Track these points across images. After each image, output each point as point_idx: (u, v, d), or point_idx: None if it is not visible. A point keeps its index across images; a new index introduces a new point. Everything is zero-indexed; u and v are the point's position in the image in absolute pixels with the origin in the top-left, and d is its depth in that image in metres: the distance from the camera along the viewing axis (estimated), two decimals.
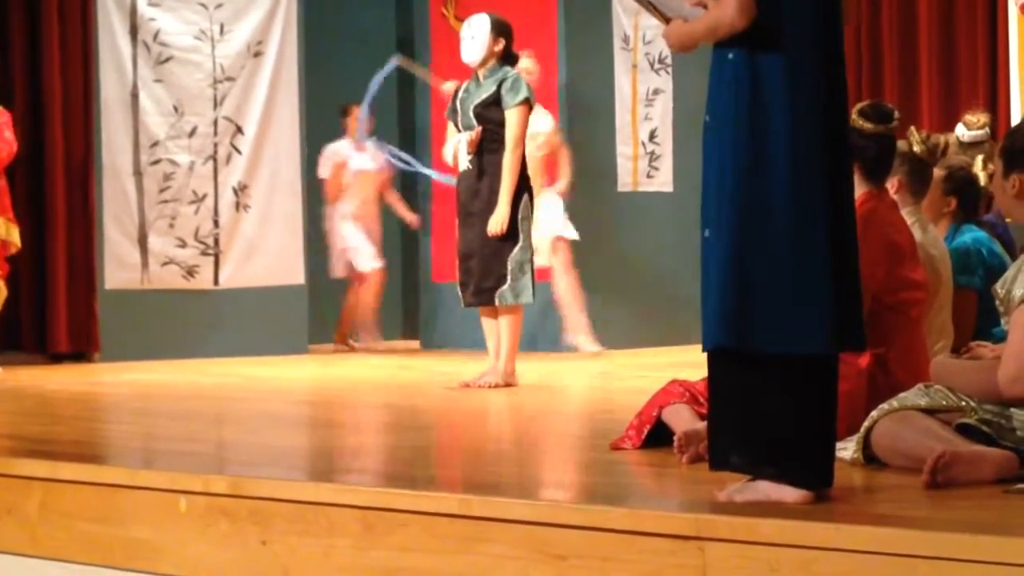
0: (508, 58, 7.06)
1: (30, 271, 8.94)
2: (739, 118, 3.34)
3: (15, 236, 8.12)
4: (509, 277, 6.86)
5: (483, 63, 6.96)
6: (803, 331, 3.32)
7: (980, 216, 5.54)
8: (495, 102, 6.92)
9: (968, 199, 5.39)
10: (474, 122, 6.94)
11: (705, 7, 3.46)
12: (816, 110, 3.36)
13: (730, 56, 3.37)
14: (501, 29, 7.02)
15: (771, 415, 3.34)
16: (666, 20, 3.50)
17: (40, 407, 6.65)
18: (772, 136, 3.33)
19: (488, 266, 6.86)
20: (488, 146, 6.92)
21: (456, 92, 7.15)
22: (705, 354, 3.45)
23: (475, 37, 6.98)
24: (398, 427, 5.76)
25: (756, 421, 3.36)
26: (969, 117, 7.10)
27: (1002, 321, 3.79)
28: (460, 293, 7.02)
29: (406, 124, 10.43)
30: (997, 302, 3.79)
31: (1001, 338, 3.95)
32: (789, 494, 3.33)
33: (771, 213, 3.32)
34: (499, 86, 6.94)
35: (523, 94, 6.92)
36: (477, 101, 6.95)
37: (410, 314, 10.52)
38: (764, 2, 3.32)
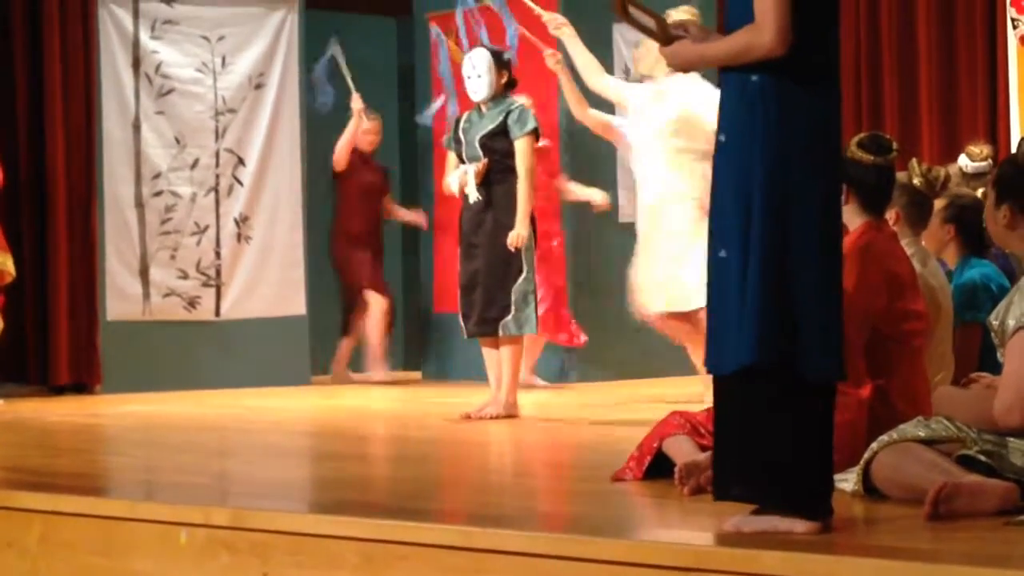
0: (509, 85, 7.12)
1: (32, 302, 8.94)
2: (767, 143, 3.32)
3: (9, 265, 8.11)
4: (513, 308, 6.86)
5: (491, 97, 7.00)
6: (830, 357, 3.35)
7: (987, 248, 5.53)
8: (501, 132, 6.94)
9: (969, 229, 5.38)
10: (480, 153, 6.96)
11: (686, 31, 3.47)
12: (834, 134, 3.40)
13: (754, 78, 3.35)
14: (501, 60, 7.06)
15: (780, 444, 3.34)
16: (667, 40, 3.46)
17: (41, 439, 6.64)
18: (801, 162, 3.33)
19: (492, 296, 6.86)
20: (494, 177, 6.93)
21: (457, 122, 7.17)
22: (710, 383, 3.45)
23: (481, 75, 7.00)
24: (399, 459, 5.76)
25: (764, 450, 3.35)
26: (972, 148, 7.11)
27: (998, 353, 3.80)
28: (462, 324, 7.01)
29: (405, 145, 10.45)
30: (992, 334, 3.80)
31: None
32: (798, 525, 3.33)
33: (807, 240, 3.34)
34: (505, 116, 6.96)
35: (531, 124, 6.95)
36: (483, 132, 6.97)
37: (411, 345, 10.51)
38: (796, 28, 3.31)
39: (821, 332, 3.33)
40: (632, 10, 3.48)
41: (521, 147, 6.91)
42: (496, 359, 6.93)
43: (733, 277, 3.34)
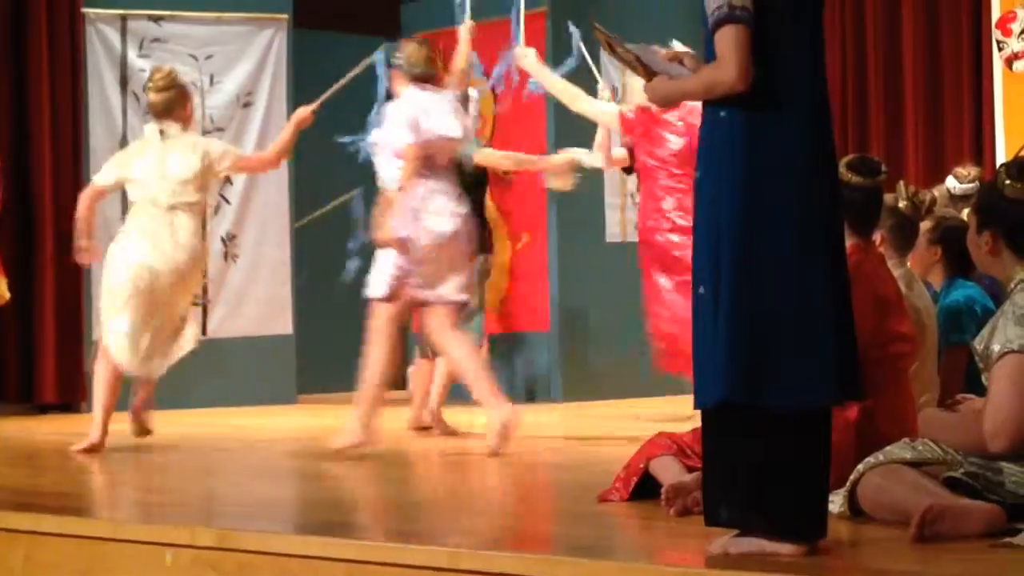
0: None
1: (17, 321, 8.92)
2: (735, 175, 3.35)
3: (3, 288, 8.11)
4: None
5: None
6: (808, 384, 3.33)
7: (973, 269, 5.54)
8: None
9: (954, 251, 5.39)
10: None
11: (681, 63, 3.50)
12: (811, 163, 3.39)
13: (722, 114, 3.39)
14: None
15: (766, 469, 3.35)
16: (648, 76, 3.53)
17: (25, 458, 6.62)
18: (768, 192, 3.34)
19: None
20: None
21: None
22: (698, 410, 3.46)
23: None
24: (385, 479, 5.74)
25: (751, 475, 3.36)
26: (960, 170, 7.13)
27: (982, 377, 3.81)
28: None
29: None
30: (976, 358, 3.81)
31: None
32: (784, 547, 3.33)
33: (772, 268, 3.33)
34: None
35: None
36: None
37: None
38: (760, 62, 3.35)
39: (799, 361, 3.32)
40: (618, 48, 3.56)
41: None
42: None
43: (708, 313, 3.36)
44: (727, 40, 3.33)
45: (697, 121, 3.69)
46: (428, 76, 6.51)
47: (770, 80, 3.35)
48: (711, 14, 3.37)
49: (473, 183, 7.11)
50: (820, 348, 3.34)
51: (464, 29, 7.00)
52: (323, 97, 7.43)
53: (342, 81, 7.55)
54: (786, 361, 3.33)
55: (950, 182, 7.05)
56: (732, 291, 3.33)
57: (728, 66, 3.34)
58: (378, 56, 7.44)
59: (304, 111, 7.22)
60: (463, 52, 7.01)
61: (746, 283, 3.33)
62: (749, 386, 3.32)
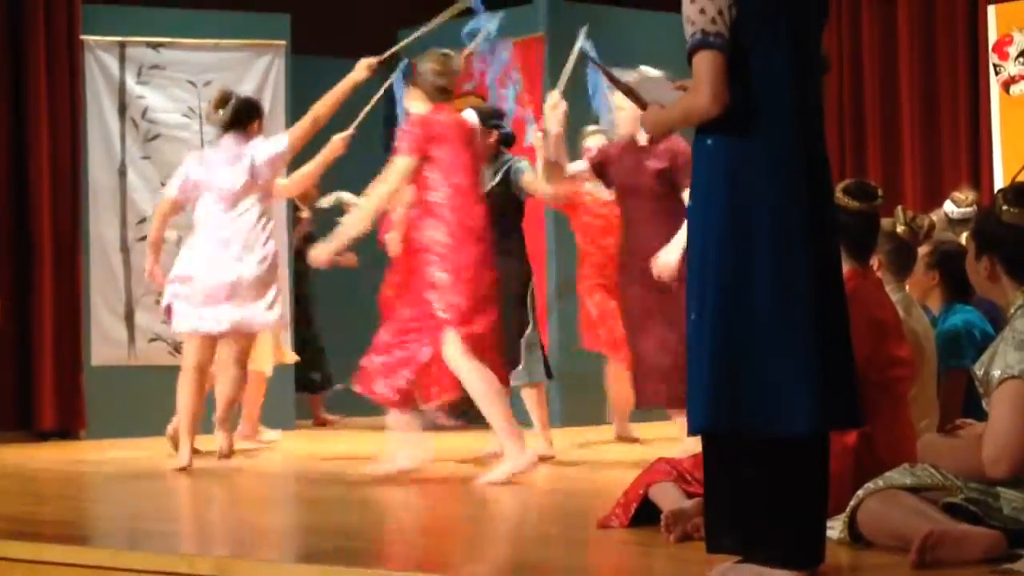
0: (506, 141, 7.11)
1: (16, 347, 8.91)
2: (718, 202, 3.38)
3: None
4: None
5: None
6: (789, 412, 3.32)
7: (971, 294, 5.54)
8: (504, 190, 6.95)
9: (953, 275, 5.40)
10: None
11: (685, 91, 3.51)
12: (797, 189, 3.39)
13: (708, 142, 3.42)
14: (487, 119, 6.97)
15: (766, 496, 3.35)
16: (643, 105, 3.57)
17: (24, 486, 6.61)
18: (753, 219, 3.35)
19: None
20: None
21: None
22: (692, 436, 3.46)
23: None
24: (384, 505, 5.73)
25: (748, 502, 3.36)
26: (957, 194, 7.15)
27: (983, 402, 3.80)
28: None
29: None
30: (976, 383, 3.81)
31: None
32: (783, 574, 3.33)
33: (754, 295, 3.34)
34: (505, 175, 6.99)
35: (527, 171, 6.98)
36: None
37: None
38: (740, 87, 3.36)
39: (781, 389, 3.32)
40: (615, 80, 3.65)
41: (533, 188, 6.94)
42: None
43: (696, 340, 3.37)
44: (700, 66, 3.37)
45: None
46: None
47: (753, 107, 3.37)
48: (687, 39, 3.40)
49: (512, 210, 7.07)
50: (804, 375, 3.32)
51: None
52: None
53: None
54: (764, 389, 3.32)
55: (948, 206, 7.06)
56: (715, 318, 3.34)
57: (701, 91, 3.37)
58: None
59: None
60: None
61: (728, 310, 3.34)
62: (730, 414, 3.32)
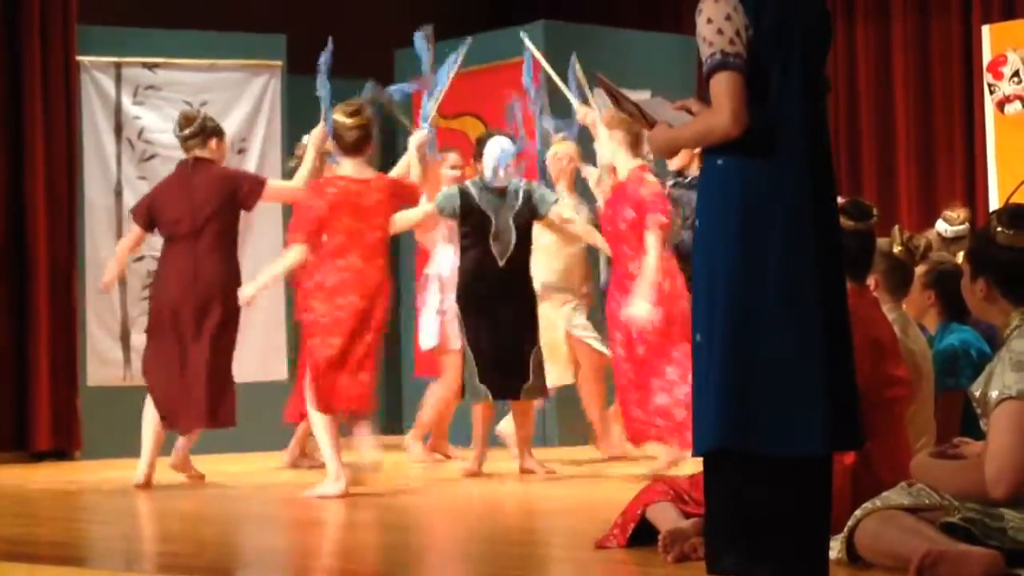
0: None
1: (11, 368, 8.90)
2: (728, 224, 3.37)
3: None
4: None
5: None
6: (798, 432, 3.33)
7: (968, 313, 5.54)
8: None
9: (949, 295, 5.41)
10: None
11: (689, 111, 3.50)
12: (805, 212, 3.39)
13: (719, 163, 3.40)
14: (477, 150, 7.21)
15: (768, 516, 3.35)
16: (649, 125, 3.55)
17: (20, 507, 6.59)
18: (762, 241, 3.35)
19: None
20: None
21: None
22: (695, 457, 3.45)
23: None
24: (382, 525, 5.73)
25: (750, 521, 3.36)
26: (950, 213, 7.16)
27: (981, 423, 3.81)
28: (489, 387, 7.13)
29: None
30: (974, 403, 3.81)
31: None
32: None
33: (764, 316, 3.34)
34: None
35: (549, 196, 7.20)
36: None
37: (392, 408, 10.49)
38: (755, 108, 3.36)
39: (790, 410, 3.32)
40: (621, 100, 3.61)
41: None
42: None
43: (704, 360, 3.37)
44: (720, 87, 3.35)
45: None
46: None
47: (765, 129, 3.36)
48: (705, 61, 3.38)
49: None
50: (812, 397, 3.33)
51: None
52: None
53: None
54: (777, 409, 3.33)
55: (940, 225, 7.07)
56: (725, 339, 3.34)
57: (722, 112, 3.35)
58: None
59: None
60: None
61: (739, 331, 3.34)
62: (739, 433, 3.32)
